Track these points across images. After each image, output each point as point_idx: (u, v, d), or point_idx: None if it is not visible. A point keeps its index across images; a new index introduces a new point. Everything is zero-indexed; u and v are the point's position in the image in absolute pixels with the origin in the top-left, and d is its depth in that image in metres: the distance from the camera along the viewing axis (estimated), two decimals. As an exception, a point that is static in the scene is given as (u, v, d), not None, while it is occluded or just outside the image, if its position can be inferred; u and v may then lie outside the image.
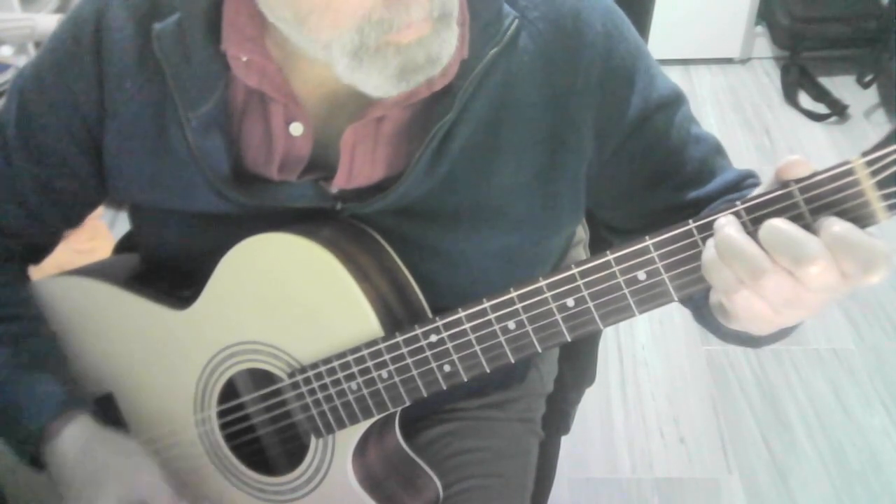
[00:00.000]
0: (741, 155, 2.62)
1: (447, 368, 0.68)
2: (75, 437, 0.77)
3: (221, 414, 0.80)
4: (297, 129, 0.73)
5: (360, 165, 0.73)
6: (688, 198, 0.75)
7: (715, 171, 0.76)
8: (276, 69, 0.71)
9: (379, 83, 0.64)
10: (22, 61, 2.01)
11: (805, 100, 2.89)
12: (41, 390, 0.78)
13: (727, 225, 0.53)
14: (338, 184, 0.74)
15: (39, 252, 0.90)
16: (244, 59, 0.71)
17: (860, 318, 2.04)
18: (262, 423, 0.82)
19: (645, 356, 1.98)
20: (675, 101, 0.76)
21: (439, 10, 0.62)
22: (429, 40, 0.63)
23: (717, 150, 0.78)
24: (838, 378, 1.89)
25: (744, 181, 0.76)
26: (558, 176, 0.75)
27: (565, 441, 1.22)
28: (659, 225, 0.77)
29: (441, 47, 0.64)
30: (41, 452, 0.77)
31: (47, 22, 1.80)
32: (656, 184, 0.76)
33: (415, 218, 0.74)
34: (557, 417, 1.15)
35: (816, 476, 1.68)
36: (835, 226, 0.50)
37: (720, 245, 0.52)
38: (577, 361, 1.18)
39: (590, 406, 1.83)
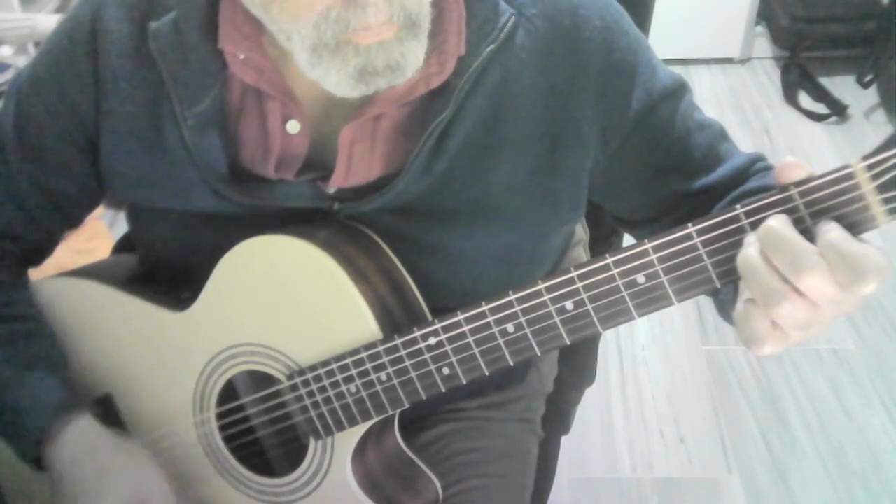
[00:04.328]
0: (741, 155, 2.62)
1: (446, 371, 0.68)
2: (76, 439, 0.77)
3: (221, 416, 0.80)
4: (293, 126, 0.73)
5: (357, 164, 0.73)
6: (697, 185, 0.76)
7: (722, 157, 0.77)
8: (273, 67, 0.71)
9: (338, 81, 0.64)
10: (22, 61, 2.01)
11: (805, 100, 2.88)
12: (41, 392, 0.78)
13: (770, 218, 0.52)
14: (335, 183, 0.74)
15: (38, 254, 0.89)
16: (241, 56, 0.71)
17: (860, 318, 2.04)
18: (261, 424, 0.82)
19: (645, 356, 1.98)
20: (678, 90, 0.76)
21: (402, 17, 0.62)
22: (390, 46, 0.62)
23: (723, 135, 0.79)
24: (838, 378, 1.89)
25: (753, 165, 0.76)
26: (557, 173, 0.75)
27: (565, 441, 1.22)
28: (670, 214, 0.78)
29: (404, 56, 0.63)
30: (43, 454, 0.77)
31: (47, 22, 1.80)
32: (665, 174, 0.76)
33: (413, 216, 0.74)
34: (557, 417, 1.15)
35: (816, 476, 1.68)
36: (830, 232, 0.50)
37: (763, 234, 0.52)
38: (577, 361, 1.18)
39: (590, 406, 1.83)
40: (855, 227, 0.51)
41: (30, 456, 0.78)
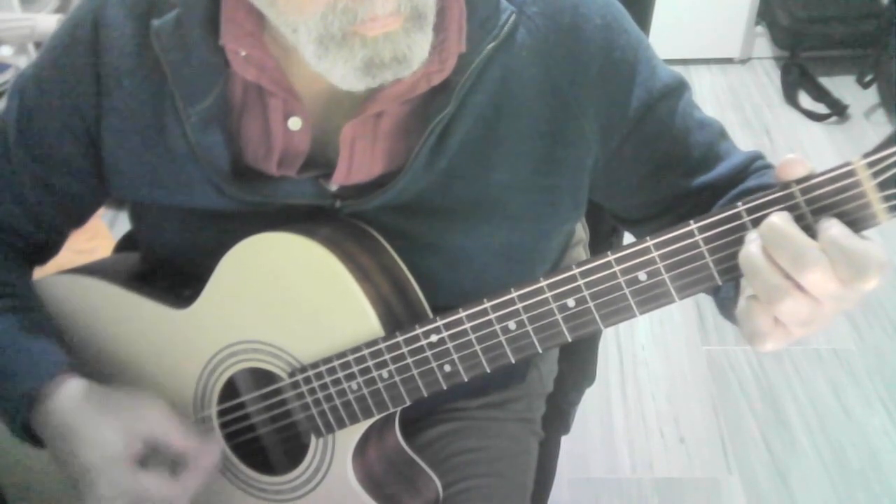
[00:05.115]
0: (741, 155, 2.63)
1: (447, 368, 0.68)
2: (72, 391, 0.74)
3: (221, 413, 0.80)
4: (295, 123, 0.73)
5: (359, 161, 0.73)
6: (696, 183, 0.76)
7: (721, 155, 0.77)
8: (274, 64, 0.72)
9: (344, 73, 0.64)
10: (22, 61, 2.01)
11: (805, 100, 2.89)
12: (38, 353, 0.76)
13: (772, 214, 0.52)
14: (337, 180, 0.74)
15: (43, 252, 0.89)
16: (243, 53, 0.71)
17: (860, 318, 2.04)
18: (263, 422, 0.82)
19: (645, 356, 1.99)
20: (678, 88, 0.76)
21: (409, 8, 0.62)
22: (396, 37, 0.62)
23: (722, 133, 0.79)
24: (838, 378, 1.89)
25: (752, 163, 0.77)
26: (558, 170, 0.75)
27: (565, 441, 1.22)
28: (669, 212, 0.78)
29: (410, 48, 0.63)
30: (34, 417, 0.75)
31: (47, 22, 1.80)
32: (664, 172, 0.76)
33: (414, 214, 0.74)
34: (557, 417, 1.15)
35: (816, 476, 1.68)
36: (832, 228, 0.50)
37: (765, 231, 0.52)
38: (577, 361, 1.18)
39: (590, 406, 1.83)
40: (856, 224, 0.51)
41: (19, 421, 0.75)
